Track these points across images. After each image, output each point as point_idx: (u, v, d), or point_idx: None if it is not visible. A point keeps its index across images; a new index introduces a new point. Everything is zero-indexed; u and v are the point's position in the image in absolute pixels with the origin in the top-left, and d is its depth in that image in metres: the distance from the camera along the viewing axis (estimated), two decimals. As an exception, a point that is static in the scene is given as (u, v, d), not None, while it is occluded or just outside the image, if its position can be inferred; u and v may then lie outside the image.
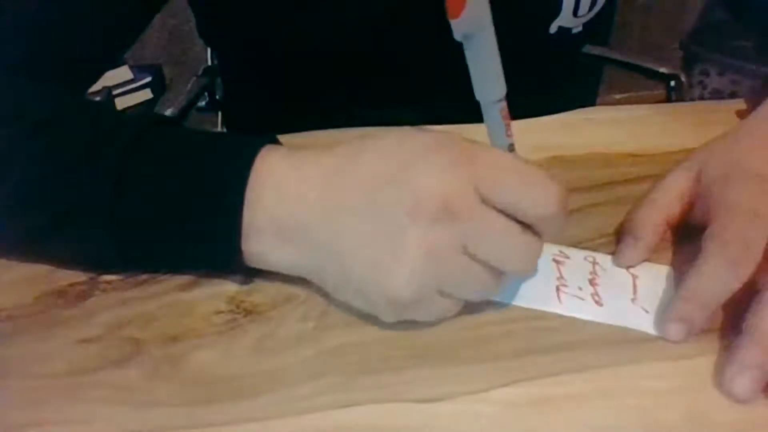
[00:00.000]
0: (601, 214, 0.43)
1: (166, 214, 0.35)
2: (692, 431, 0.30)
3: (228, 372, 0.33)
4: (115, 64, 1.55)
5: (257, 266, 0.37)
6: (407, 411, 0.31)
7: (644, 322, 0.35)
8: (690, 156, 0.41)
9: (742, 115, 0.52)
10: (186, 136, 0.38)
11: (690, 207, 0.39)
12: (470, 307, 0.35)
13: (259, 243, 0.35)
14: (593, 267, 0.38)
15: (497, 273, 0.33)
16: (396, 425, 0.30)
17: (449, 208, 0.31)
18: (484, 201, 0.32)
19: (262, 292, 0.38)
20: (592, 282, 0.37)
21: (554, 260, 0.39)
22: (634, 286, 0.37)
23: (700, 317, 0.34)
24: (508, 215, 0.32)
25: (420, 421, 0.31)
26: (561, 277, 0.38)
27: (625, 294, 0.37)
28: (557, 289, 0.37)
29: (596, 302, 0.36)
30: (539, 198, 0.32)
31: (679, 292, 0.35)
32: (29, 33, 0.46)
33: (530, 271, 0.35)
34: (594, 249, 0.40)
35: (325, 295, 0.37)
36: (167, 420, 0.31)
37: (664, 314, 0.35)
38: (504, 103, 0.35)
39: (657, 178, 0.42)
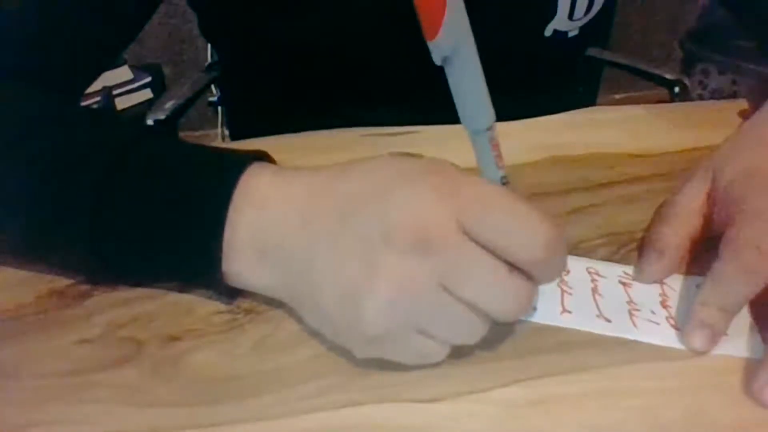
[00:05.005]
0: (601, 214, 0.43)
1: (147, 230, 0.35)
2: (692, 431, 0.30)
3: (228, 372, 0.33)
4: (115, 64, 1.55)
5: (239, 286, 0.36)
6: (407, 411, 0.31)
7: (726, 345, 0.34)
8: (701, 165, 0.40)
9: (743, 115, 0.52)
10: (173, 150, 0.37)
11: (710, 217, 0.39)
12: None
13: (239, 262, 0.34)
14: (662, 288, 0.37)
15: (483, 315, 0.30)
16: (396, 425, 0.30)
17: (425, 238, 0.29)
18: (468, 235, 0.29)
19: (262, 292, 0.38)
20: (663, 304, 0.36)
21: (621, 282, 0.38)
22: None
23: (721, 322, 0.33)
24: (494, 254, 0.29)
25: (420, 421, 0.30)
26: (631, 301, 0.36)
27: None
28: (630, 313, 0.36)
29: (672, 326, 0.35)
30: (526, 238, 0.29)
31: (696, 299, 0.34)
32: (27, 33, 0.46)
33: (519, 316, 0.31)
34: (594, 249, 0.40)
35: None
36: (167, 420, 0.31)
37: (685, 325, 0.34)
38: (494, 132, 0.33)
39: (657, 178, 0.41)
